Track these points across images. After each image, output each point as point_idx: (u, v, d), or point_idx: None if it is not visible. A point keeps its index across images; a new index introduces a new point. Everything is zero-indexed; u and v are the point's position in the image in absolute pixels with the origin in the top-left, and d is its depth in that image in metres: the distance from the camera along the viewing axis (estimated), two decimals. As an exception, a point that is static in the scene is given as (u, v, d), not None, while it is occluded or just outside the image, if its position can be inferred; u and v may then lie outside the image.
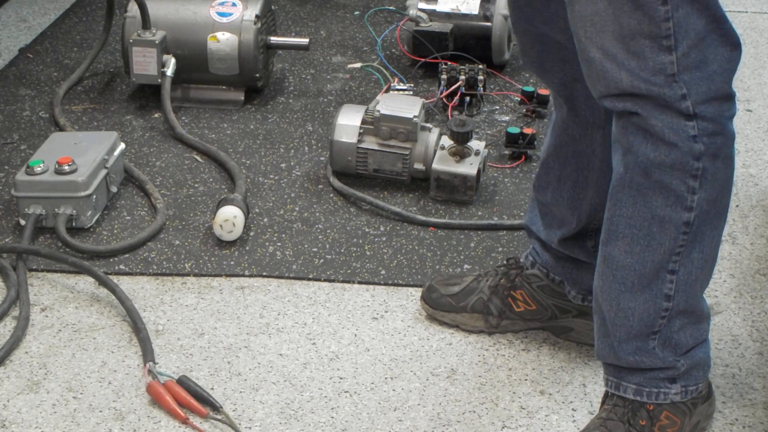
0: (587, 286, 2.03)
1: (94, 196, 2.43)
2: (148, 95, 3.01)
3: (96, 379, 2.02)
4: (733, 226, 2.49)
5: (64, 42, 3.36)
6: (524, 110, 2.95)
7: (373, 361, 2.08)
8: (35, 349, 2.10)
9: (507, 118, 2.93)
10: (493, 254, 2.39)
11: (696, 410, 1.85)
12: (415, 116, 2.56)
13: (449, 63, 2.97)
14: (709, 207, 1.69)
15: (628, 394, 1.82)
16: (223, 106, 2.98)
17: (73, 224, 2.42)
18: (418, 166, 2.58)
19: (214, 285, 2.29)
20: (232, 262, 2.35)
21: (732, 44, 1.64)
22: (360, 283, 2.30)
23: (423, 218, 2.49)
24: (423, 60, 3.08)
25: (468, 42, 3.10)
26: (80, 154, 2.46)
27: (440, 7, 3.12)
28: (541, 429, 1.92)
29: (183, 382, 1.97)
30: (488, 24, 3.09)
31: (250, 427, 1.91)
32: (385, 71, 3.06)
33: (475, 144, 2.58)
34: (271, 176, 2.67)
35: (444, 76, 2.91)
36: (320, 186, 2.63)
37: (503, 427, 1.92)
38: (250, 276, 2.31)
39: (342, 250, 2.39)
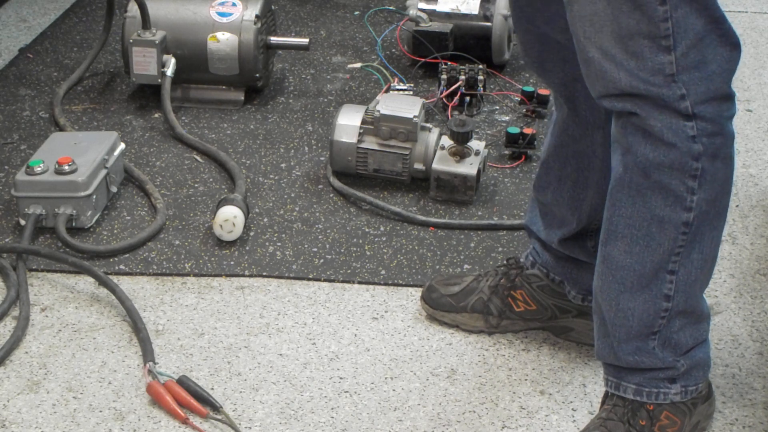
0: (587, 286, 2.03)
1: (94, 196, 2.43)
2: (148, 95, 3.01)
3: (96, 379, 2.02)
4: (733, 226, 2.49)
5: (64, 42, 3.36)
6: (524, 110, 2.95)
7: (373, 361, 2.08)
8: (35, 349, 2.10)
9: (507, 118, 2.94)
10: (493, 254, 2.39)
11: (696, 410, 1.85)
12: (415, 116, 2.56)
13: (449, 63, 2.97)
14: (708, 207, 1.69)
15: (628, 394, 1.82)
16: (223, 106, 2.98)
17: (73, 224, 2.42)
18: (418, 166, 2.58)
19: (214, 285, 2.29)
20: (232, 262, 2.35)
21: (731, 44, 1.64)
22: (360, 283, 2.30)
23: (423, 218, 2.49)
24: (423, 60, 3.08)
25: (468, 42, 3.10)
26: (80, 154, 2.46)
27: (440, 7, 3.12)
28: (541, 429, 1.92)
29: (183, 382, 1.98)
30: (488, 24, 3.09)
31: (250, 427, 1.92)
32: (385, 71, 3.06)
33: (475, 144, 2.58)
34: (271, 176, 2.67)
35: (444, 76, 2.91)
36: (320, 186, 2.63)
37: (503, 427, 1.93)
38: (250, 276, 2.31)
39: (342, 250, 2.39)
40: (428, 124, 2.62)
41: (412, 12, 3.09)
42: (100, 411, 1.95)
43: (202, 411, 1.92)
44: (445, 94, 2.90)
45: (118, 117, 2.92)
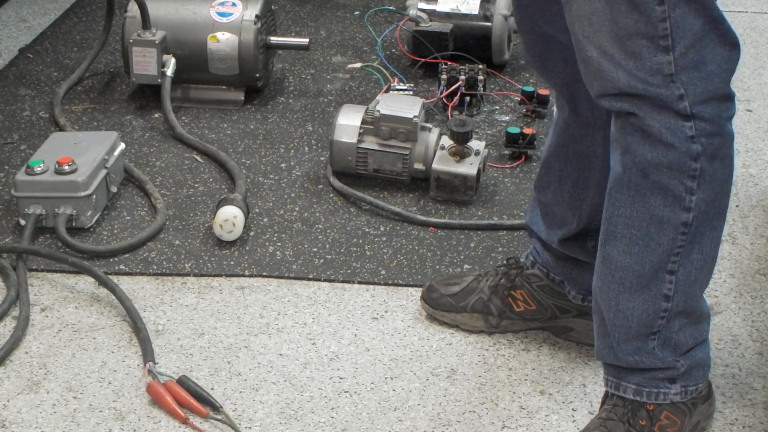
0: (587, 286, 2.03)
1: (94, 196, 2.43)
2: (148, 95, 3.01)
3: (96, 379, 2.02)
4: (733, 226, 2.49)
5: (64, 42, 3.36)
6: (524, 110, 2.95)
7: (373, 361, 2.08)
8: (35, 349, 2.10)
9: (507, 118, 2.94)
10: (493, 254, 2.39)
11: (696, 410, 1.85)
12: (415, 116, 2.56)
13: (449, 63, 2.97)
14: (707, 207, 1.69)
15: (628, 394, 1.82)
16: (223, 106, 2.98)
17: (73, 224, 2.42)
18: (418, 166, 2.58)
19: (214, 285, 2.29)
20: (232, 262, 2.35)
21: (730, 44, 1.64)
22: (360, 283, 2.30)
23: (423, 218, 2.49)
24: (423, 60, 3.08)
25: (468, 42, 3.10)
26: (80, 154, 2.47)
27: (440, 7, 3.12)
28: (541, 429, 1.92)
29: (183, 382, 1.98)
30: (488, 24, 3.09)
31: (250, 427, 1.92)
32: (385, 71, 3.06)
33: (475, 144, 2.58)
34: (271, 176, 2.67)
35: (444, 76, 2.91)
36: (320, 186, 2.63)
37: (503, 427, 1.93)
38: (250, 276, 2.31)
39: (342, 250, 2.39)
40: (428, 124, 2.62)
41: (412, 12, 3.09)
42: (100, 411, 1.95)
43: (202, 411, 1.92)
44: (445, 94, 2.90)
45: (118, 117, 2.92)
